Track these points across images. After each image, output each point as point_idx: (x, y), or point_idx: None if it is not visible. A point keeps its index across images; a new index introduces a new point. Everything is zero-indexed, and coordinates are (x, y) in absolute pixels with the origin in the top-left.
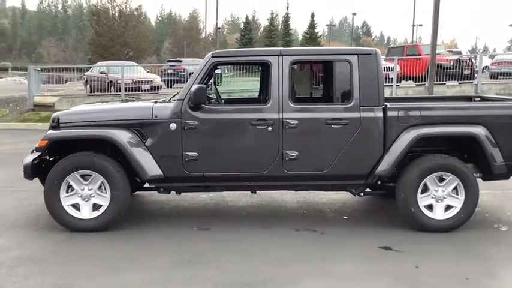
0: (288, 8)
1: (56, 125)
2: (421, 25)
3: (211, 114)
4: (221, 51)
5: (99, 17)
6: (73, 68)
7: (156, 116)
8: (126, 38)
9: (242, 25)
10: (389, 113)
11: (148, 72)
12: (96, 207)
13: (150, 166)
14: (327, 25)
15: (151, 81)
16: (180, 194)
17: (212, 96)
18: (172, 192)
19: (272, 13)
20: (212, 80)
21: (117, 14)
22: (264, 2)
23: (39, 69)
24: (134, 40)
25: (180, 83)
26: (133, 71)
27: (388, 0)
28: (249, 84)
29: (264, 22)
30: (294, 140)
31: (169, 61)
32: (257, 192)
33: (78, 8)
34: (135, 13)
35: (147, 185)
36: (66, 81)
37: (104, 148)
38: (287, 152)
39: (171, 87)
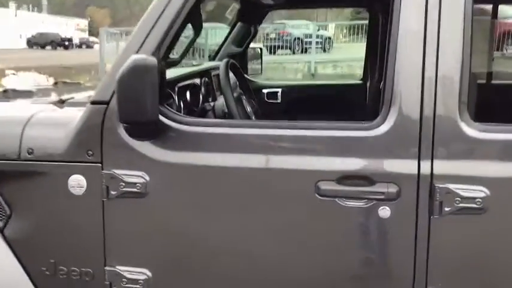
0: None
1: None
2: None
3: (186, 153)
4: None
5: None
6: None
7: (30, 152)
8: None
9: None
10: None
11: None
12: None
13: None
14: None
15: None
16: None
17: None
18: None
19: None
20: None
21: None
22: None
23: (117, 32)
24: None
25: (283, 49)
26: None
27: None
28: None
29: None
30: (470, 251)
31: (272, 23)
32: None
33: None
34: None
35: None
36: None
37: None
38: None
39: (274, 53)
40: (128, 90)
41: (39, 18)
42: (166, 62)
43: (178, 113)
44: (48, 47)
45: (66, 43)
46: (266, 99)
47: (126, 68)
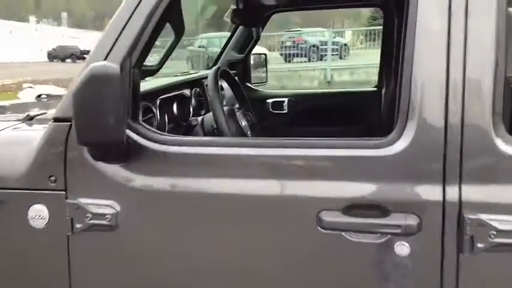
0: None
1: None
2: None
3: (163, 178)
4: None
5: None
6: None
7: None
8: None
9: None
10: None
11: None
12: None
13: None
14: None
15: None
16: None
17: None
18: None
19: None
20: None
21: None
22: None
23: None
24: None
25: (300, 56)
26: None
27: None
28: None
29: None
30: None
31: (287, 31)
32: None
33: None
34: None
35: None
36: None
37: None
38: None
39: (290, 62)
40: (85, 105)
41: (59, 31)
42: (141, 70)
43: (154, 130)
44: (68, 60)
45: (86, 56)
46: (271, 109)
47: (83, 78)
